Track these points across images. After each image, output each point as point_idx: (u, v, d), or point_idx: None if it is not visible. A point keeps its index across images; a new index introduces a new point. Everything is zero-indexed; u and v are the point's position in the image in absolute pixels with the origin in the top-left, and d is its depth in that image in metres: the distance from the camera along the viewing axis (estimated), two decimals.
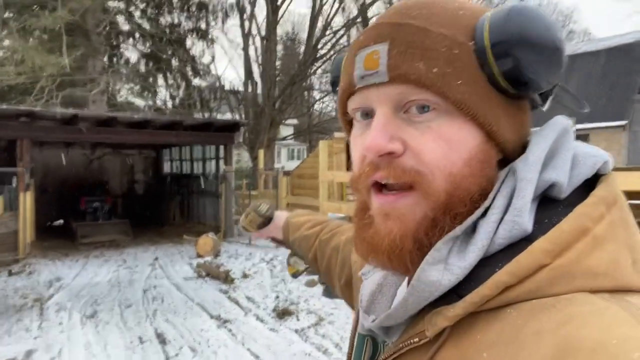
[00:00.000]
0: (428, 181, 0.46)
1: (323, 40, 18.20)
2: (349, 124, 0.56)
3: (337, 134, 11.53)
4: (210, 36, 18.41)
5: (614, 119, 20.17)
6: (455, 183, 0.46)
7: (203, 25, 18.29)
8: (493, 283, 0.41)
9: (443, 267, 0.44)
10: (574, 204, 0.43)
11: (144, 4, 17.22)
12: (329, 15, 18.21)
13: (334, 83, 0.65)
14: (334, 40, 18.54)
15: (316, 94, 24.84)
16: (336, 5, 18.24)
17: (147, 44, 17.02)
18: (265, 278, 6.76)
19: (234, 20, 18.98)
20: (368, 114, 0.51)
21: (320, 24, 18.28)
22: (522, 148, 0.48)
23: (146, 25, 17.18)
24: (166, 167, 14.57)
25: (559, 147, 0.47)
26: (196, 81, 18.61)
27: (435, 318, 0.44)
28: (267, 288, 6.24)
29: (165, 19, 17.87)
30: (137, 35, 17.13)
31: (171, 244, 9.54)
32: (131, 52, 18.04)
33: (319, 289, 5.96)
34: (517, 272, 0.40)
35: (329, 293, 4.46)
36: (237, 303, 5.68)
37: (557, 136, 0.47)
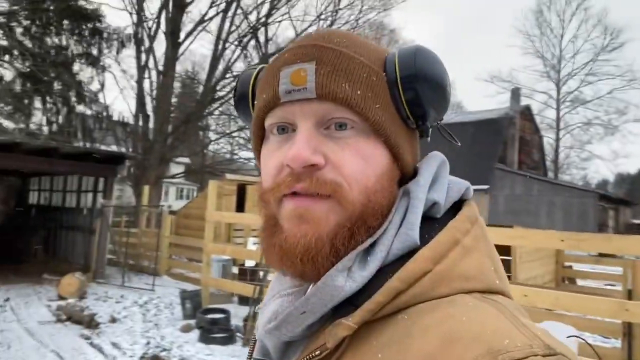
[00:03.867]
0: (346, 192, 0.49)
1: (222, 83, 18.27)
2: (260, 139, 0.57)
3: (228, 176, 11.44)
4: (101, 63, 17.45)
5: (479, 184, 22.75)
6: (369, 196, 0.50)
7: (95, 52, 17.31)
8: (386, 290, 0.45)
9: (347, 275, 0.48)
10: (447, 221, 0.51)
11: (28, 21, 15.87)
12: (230, 59, 18.43)
13: (240, 100, 0.63)
14: (233, 83, 18.66)
15: (212, 135, 24.55)
16: (238, 51, 18.58)
17: (27, 63, 15.57)
18: (137, 322, 6.25)
19: (129, 51, 18.13)
20: (285, 129, 0.53)
21: (221, 66, 18.38)
22: (414, 173, 0.56)
23: (28, 43, 15.77)
24: (33, 198, 13.07)
25: (438, 175, 0.55)
26: (80, 108, 17.32)
27: (335, 329, 0.46)
28: (137, 333, 5.76)
29: (52, 40, 16.61)
30: (15, 52, 15.60)
31: (28, 283, 8.41)
32: (6, 70, 16.30)
33: (194, 334, 5.66)
34: (406, 277, 0.46)
35: (205, 338, 4.35)
36: (100, 350, 5.14)
37: (438, 166, 0.56)
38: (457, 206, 0.54)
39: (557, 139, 37.12)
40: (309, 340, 0.50)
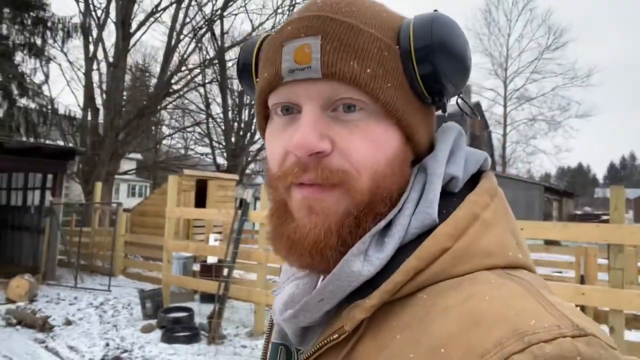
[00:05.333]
0: (354, 179, 0.46)
1: (177, 77, 17.75)
2: (264, 118, 0.54)
3: (186, 171, 11.13)
4: (46, 54, 16.49)
5: None
6: (378, 182, 0.47)
7: (39, 42, 16.33)
8: (404, 269, 0.43)
9: (363, 259, 0.46)
10: (464, 195, 0.48)
11: None
12: (185, 52, 17.93)
13: (243, 72, 0.58)
14: (189, 77, 18.22)
15: (165, 130, 23.85)
16: (193, 44, 18.11)
17: None
18: (93, 324, 6.00)
19: (77, 41, 17.29)
20: (290, 110, 0.49)
21: (175, 59, 17.86)
22: (430, 146, 0.53)
23: None
24: None
25: (456, 148, 0.53)
26: (23, 101, 16.32)
27: (353, 311, 0.44)
28: (95, 335, 5.54)
29: None
30: None
31: None
32: None
33: (156, 334, 5.50)
34: (425, 255, 0.43)
35: (168, 338, 4.26)
36: (56, 354, 4.91)
37: (455, 138, 0.53)
38: (474, 178, 0.52)
39: (505, 135, 38.77)
40: (327, 324, 0.48)
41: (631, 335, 4.49)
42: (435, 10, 0.51)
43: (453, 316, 0.39)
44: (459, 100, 0.56)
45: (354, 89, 0.46)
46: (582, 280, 4.22)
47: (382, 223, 0.48)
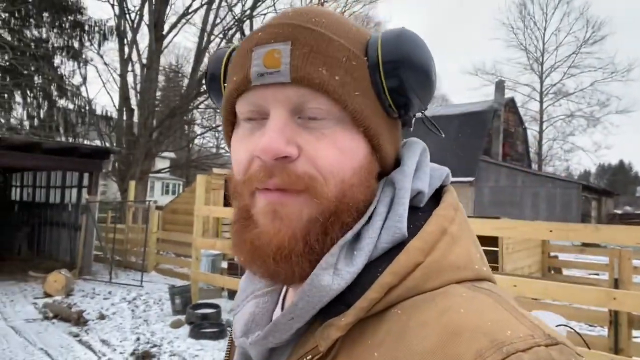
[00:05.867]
0: (320, 185, 0.46)
1: None
2: (231, 124, 0.54)
3: (216, 170, 11.34)
4: (83, 56, 17.10)
5: (464, 175, 22.88)
6: (344, 190, 0.47)
7: (76, 45, 16.94)
8: (379, 285, 0.43)
9: (332, 272, 0.45)
10: (430, 209, 0.49)
11: (6, 14, 15.47)
12: None
13: (212, 80, 0.58)
14: None
15: (197, 129, 24.31)
16: (223, 44, 18.38)
17: (6, 57, 15.18)
18: (126, 319, 6.19)
19: (112, 44, 17.85)
20: (255, 116, 0.49)
21: (206, 59, 18.17)
22: (395, 161, 0.53)
23: (7, 36, 15.38)
24: (15, 194, 12.82)
25: (421, 163, 0.53)
26: (62, 102, 16.97)
27: (327, 330, 0.44)
28: (127, 330, 5.71)
29: (31, 32, 16.21)
30: None
31: (13, 281, 8.28)
32: None
33: (184, 329, 5.62)
34: (399, 271, 0.43)
35: (195, 334, 4.34)
36: (89, 347, 5.09)
37: (420, 153, 0.54)
38: (436, 193, 0.53)
39: (541, 131, 37.64)
40: (296, 344, 0.47)
41: None
42: (402, 27, 0.52)
43: (431, 331, 0.39)
44: (423, 115, 0.57)
45: (322, 95, 0.46)
46: (616, 283, 4.06)
47: (349, 235, 0.47)
